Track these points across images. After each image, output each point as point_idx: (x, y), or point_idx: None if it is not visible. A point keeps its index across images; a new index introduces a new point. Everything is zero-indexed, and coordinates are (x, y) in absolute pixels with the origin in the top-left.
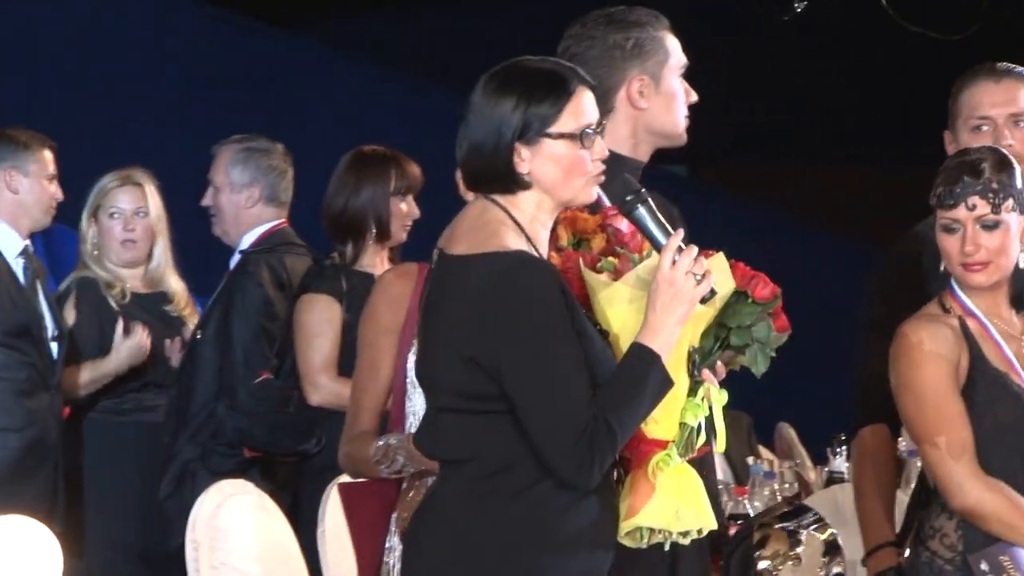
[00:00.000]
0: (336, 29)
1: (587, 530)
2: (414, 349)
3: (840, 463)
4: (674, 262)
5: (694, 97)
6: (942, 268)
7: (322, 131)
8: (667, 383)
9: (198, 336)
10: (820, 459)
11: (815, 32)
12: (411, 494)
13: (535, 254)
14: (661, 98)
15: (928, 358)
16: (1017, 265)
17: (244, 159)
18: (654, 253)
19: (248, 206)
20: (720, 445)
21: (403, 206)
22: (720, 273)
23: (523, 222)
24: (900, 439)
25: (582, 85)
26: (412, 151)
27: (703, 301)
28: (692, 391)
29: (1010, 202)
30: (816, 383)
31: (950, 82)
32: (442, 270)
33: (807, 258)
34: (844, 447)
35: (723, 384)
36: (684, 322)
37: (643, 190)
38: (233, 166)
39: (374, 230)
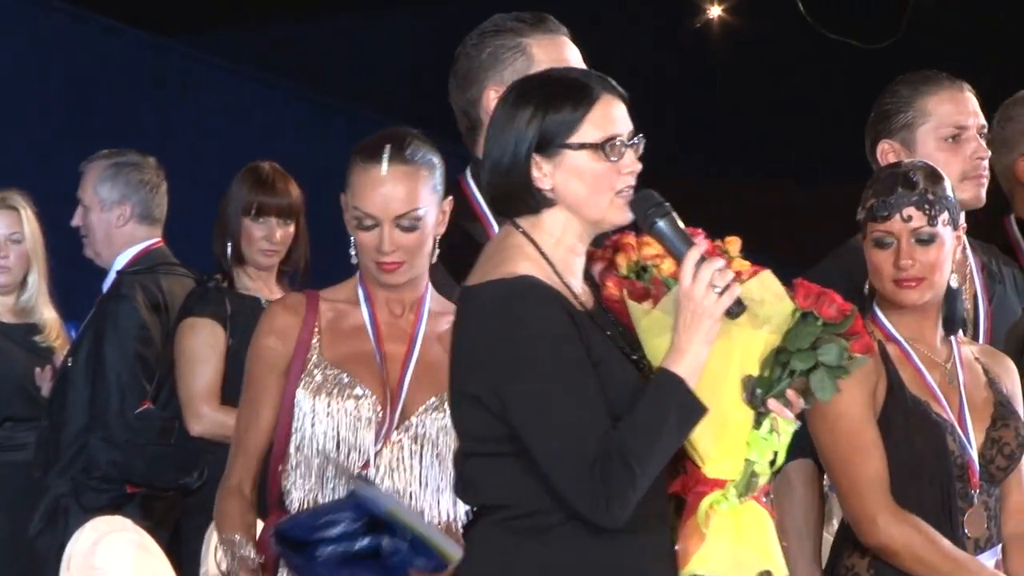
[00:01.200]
0: (223, 38)
1: (631, 573)
2: (304, 386)
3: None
4: (694, 276)
5: None
6: (866, 288)
7: (210, 144)
8: (695, 410)
9: (68, 363)
10: None
11: (731, 39)
12: None
13: (543, 280)
14: None
15: (843, 385)
16: (949, 285)
17: (113, 175)
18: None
19: (120, 225)
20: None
21: (257, 230)
22: (767, 291)
23: (547, 247)
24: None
25: (609, 93)
26: (303, 166)
27: (730, 315)
28: (756, 424)
29: (945, 215)
30: None
31: (871, 93)
32: (460, 305)
33: None
34: None
35: None
36: (711, 341)
37: (666, 202)
38: (102, 183)
39: (230, 252)
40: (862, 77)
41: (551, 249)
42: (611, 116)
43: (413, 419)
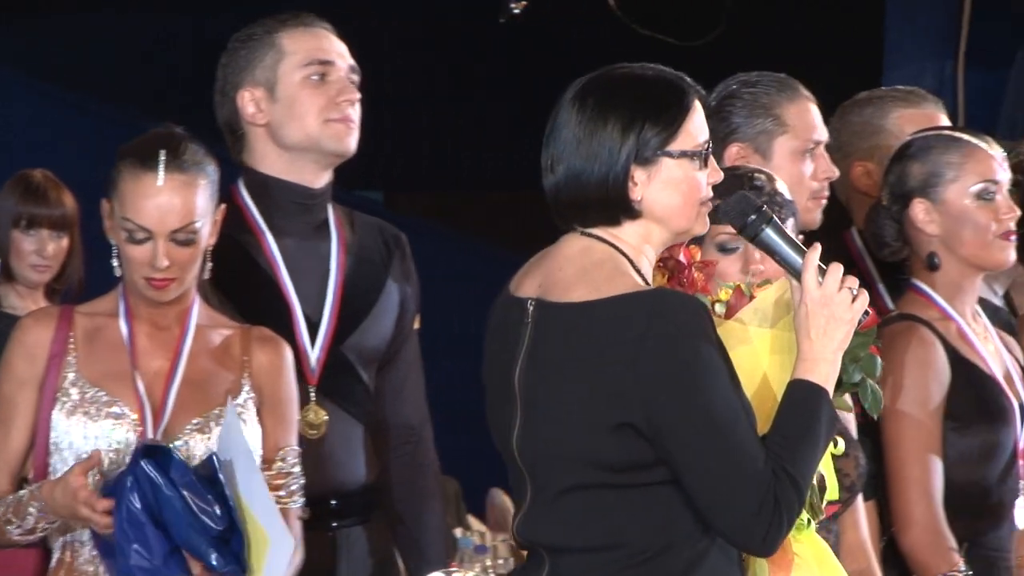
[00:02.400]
0: None
1: None
2: (60, 406)
3: None
4: (819, 282)
5: (351, 95)
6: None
7: None
8: (835, 419)
9: None
10: None
11: (534, 38)
12: (67, 558)
13: (678, 290)
14: (279, 105)
15: None
16: None
17: None
18: (771, 283)
19: None
20: (832, 494)
21: (27, 243)
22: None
23: (631, 256)
24: None
25: (697, 95)
26: (76, 175)
27: (859, 324)
28: None
29: (792, 222)
30: None
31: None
32: (550, 322)
33: None
34: None
35: None
36: (844, 348)
37: (765, 207)
38: None
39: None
40: None
41: (635, 259)
42: (702, 122)
43: (177, 441)
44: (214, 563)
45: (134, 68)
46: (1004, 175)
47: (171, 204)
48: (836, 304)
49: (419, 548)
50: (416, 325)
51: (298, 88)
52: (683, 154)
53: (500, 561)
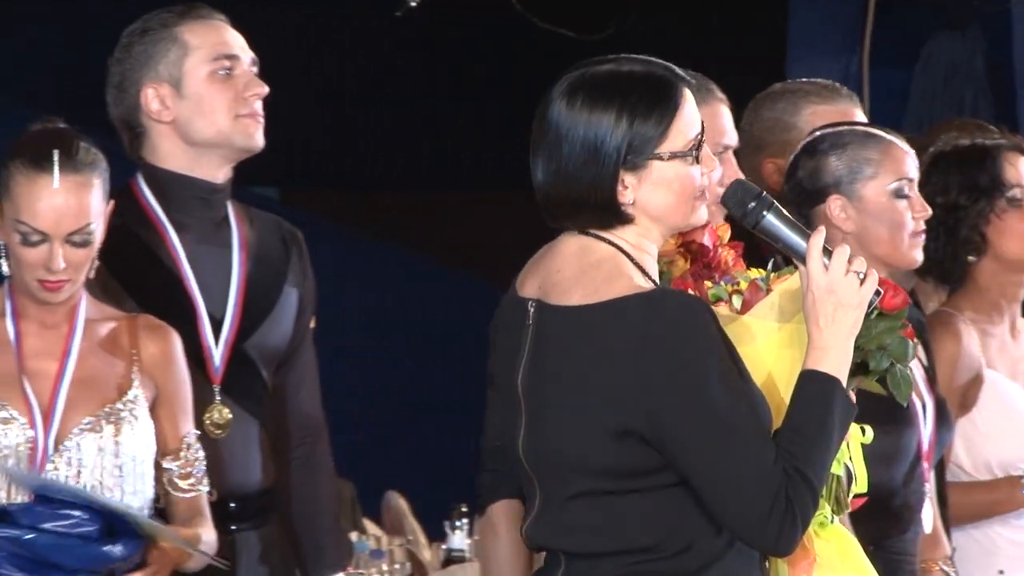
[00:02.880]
0: None
1: None
2: None
3: (461, 539)
4: (825, 266)
5: (259, 89)
6: None
7: None
8: (851, 409)
9: None
10: (436, 535)
11: (431, 35)
12: None
13: (679, 290)
14: (187, 102)
15: None
16: None
17: None
18: (790, 274)
19: None
20: (862, 486)
21: None
22: None
23: (633, 255)
24: None
25: (686, 87)
26: None
27: (870, 307)
28: None
29: None
30: (433, 445)
31: None
32: (551, 325)
33: (416, 294)
34: (466, 520)
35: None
36: (855, 334)
37: (765, 193)
38: None
39: None
40: None
41: (636, 256)
42: (693, 114)
43: (68, 442)
44: (121, 553)
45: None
46: (916, 173)
47: (67, 206)
48: (842, 289)
49: (315, 552)
50: (312, 324)
51: (206, 84)
52: (673, 155)
53: (396, 566)
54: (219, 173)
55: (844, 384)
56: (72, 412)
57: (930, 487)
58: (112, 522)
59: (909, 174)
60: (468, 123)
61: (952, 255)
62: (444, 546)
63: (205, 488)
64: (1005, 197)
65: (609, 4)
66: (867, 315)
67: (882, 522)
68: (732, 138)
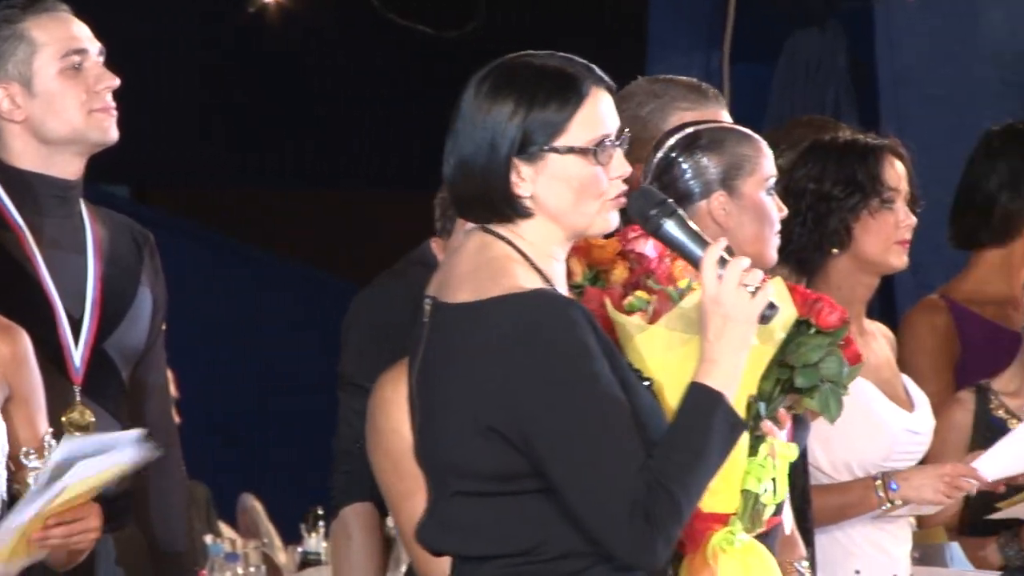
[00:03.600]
0: None
1: None
2: None
3: (317, 542)
4: (720, 277)
5: (111, 82)
6: None
7: None
8: (737, 426)
9: None
10: (292, 537)
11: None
12: None
13: (558, 292)
14: (39, 100)
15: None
16: None
17: None
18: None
19: None
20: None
21: None
22: (778, 299)
23: (532, 255)
24: (388, 517)
25: (598, 86)
26: None
27: (764, 320)
28: (752, 449)
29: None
30: (286, 446)
31: (446, 84)
32: (441, 323)
33: (273, 295)
34: (322, 523)
35: None
36: (746, 347)
37: (669, 200)
38: None
39: None
40: (435, 68)
41: (536, 258)
42: (601, 113)
43: None
44: None
45: None
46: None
47: None
48: (730, 302)
49: (167, 555)
50: (163, 326)
51: (57, 81)
52: (571, 150)
53: (252, 569)
54: (73, 169)
55: (730, 399)
56: None
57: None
58: None
59: (775, 172)
60: (330, 120)
61: (816, 244)
62: (300, 549)
63: None
64: (880, 197)
65: (468, 0)
66: (798, 330)
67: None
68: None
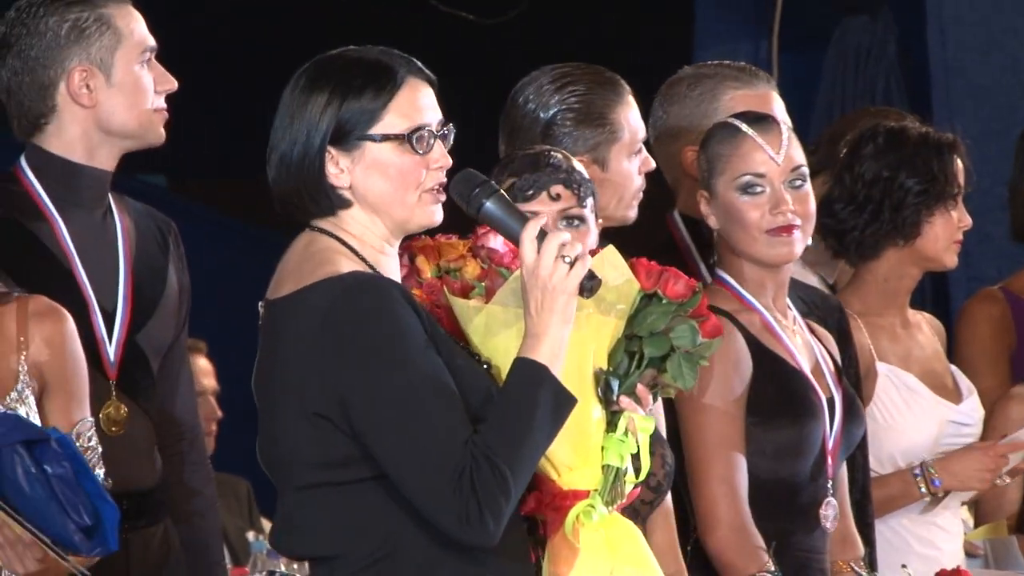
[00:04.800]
0: None
1: None
2: None
3: None
4: (538, 251)
5: (172, 84)
6: None
7: None
8: (566, 399)
9: None
10: None
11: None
12: None
13: (375, 273)
14: (115, 90)
15: None
16: None
17: None
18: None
19: None
20: (642, 476)
21: None
22: (613, 270)
23: (357, 247)
24: None
25: (416, 77)
26: None
27: (585, 292)
28: (611, 424)
29: (591, 200)
30: None
31: (487, 70)
32: (268, 320)
33: None
34: None
35: None
36: (569, 320)
37: (489, 180)
38: None
39: None
40: (478, 55)
41: (360, 251)
42: (418, 103)
43: None
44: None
45: None
46: (776, 168)
47: None
48: (547, 273)
49: (197, 549)
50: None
51: (135, 74)
52: (386, 138)
53: (295, 565)
54: (113, 162)
55: (556, 371)
56: None
57: (838, 483)
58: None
59: (759, 169)
60: None
61: (884, 233)
62: None
63: (100, 477)
64: (951, 195)
65: None
66: (648, 299)
67: (787, 519)
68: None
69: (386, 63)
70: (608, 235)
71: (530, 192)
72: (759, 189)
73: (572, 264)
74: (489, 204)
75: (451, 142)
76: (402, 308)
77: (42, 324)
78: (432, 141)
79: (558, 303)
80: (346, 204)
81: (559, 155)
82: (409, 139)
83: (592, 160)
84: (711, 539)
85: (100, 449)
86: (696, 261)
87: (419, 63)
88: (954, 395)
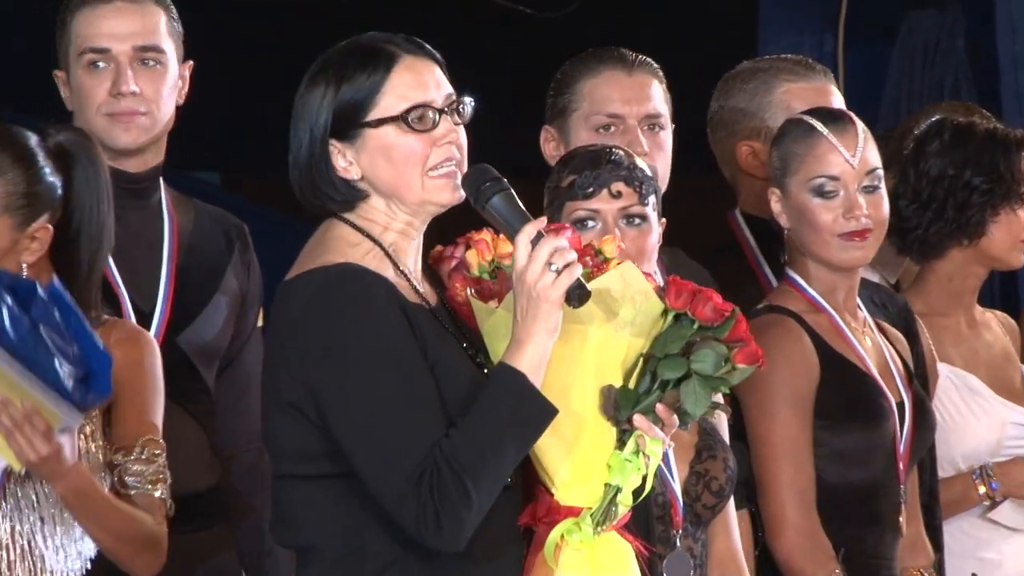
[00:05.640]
0: None
1: None
2: None
3: None
4: (531, 256)
5: (126, 87)
6: None
7: None
8: (542, 409)
9: None
10: None
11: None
12: None
13: (371, 268)
14: (72, 95)
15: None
16: None
17: None
18: None
19: None
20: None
21: None
22: (630, 289)
23: (377, 234)
24: None
25: (413, 56)
26: None
27: (571, 301)
28: (620, 443)
29: (653, 198)
30: None
31: (547, 67)
32: (274, 302)
33: None
34: None
35: None
36: (554, 329)
37: (502, 177)
38: None
39: None
40: (538, 52)
41: (380, 235)
42: (414, 81)
43: None
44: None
45: None
46: (851, 171)
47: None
48: (534, 280)
49: (259, 557)
50: (259, 322)
51: (79, 79)
52: (382, 121)
53: None
54: (129, 164)
55: (536, 380)
56: None
57: (909, 488)
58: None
59: (833, 172)
60: None
61: (949, 233)
62: None
63: (157, 493)
64: (1018, 194)
65: None
66: (677, 320)
67: (857, 524)
68: (649, 107)
69: (379, 46)
70: (671, 236)
71: (590, 189)
72: (832, 192)
73: (559, 272)
74: (495, 200)
75: (467, 115)
76: (382, 305)
77: (123, 346)
78: (436, 117)
79: (542, 311)
80: (363, 195)
81: (621, 152)
82: (405, 119)
83: (558, 129)
84: (779, 544)
85: (161, 470)
86: (759, 262)
87: (420, 41)
88: (1021, 396)
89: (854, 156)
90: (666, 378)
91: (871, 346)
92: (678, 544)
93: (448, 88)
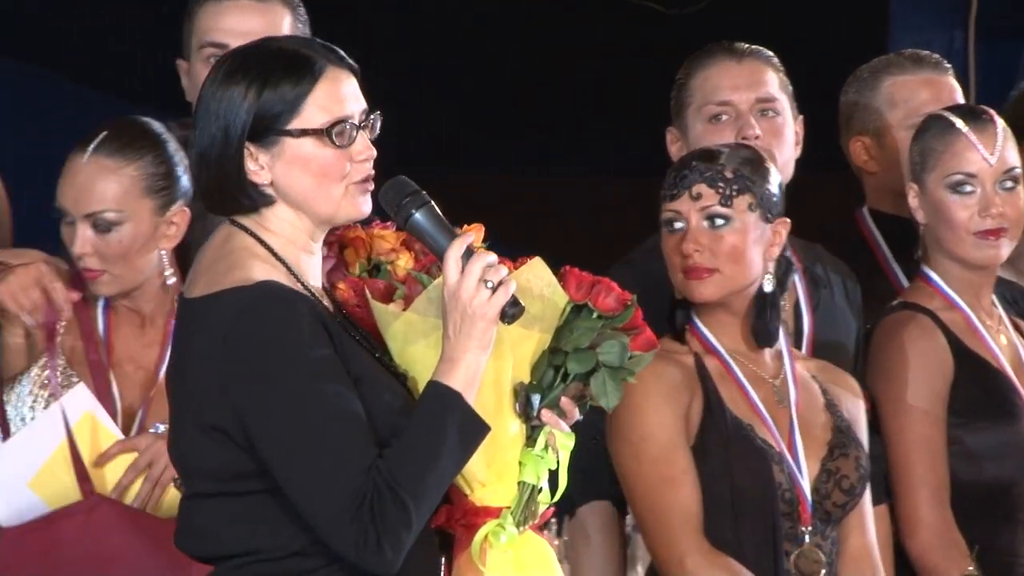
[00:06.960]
0: None
1: None
2: None
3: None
4: (462, 271)
5: None
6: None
7: None
8: (477, 428)
9: None
10: None
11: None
12: None
13: (288, 284)
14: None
15: (650, 403)
16: (761, 288)
17: None
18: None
19: None
20: (555, 497)
21: None
22: (537, 282)
23: (278, 247)
24: (628, 515)
25: (337, 67)
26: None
27: (506, 318)
28: (531, 439)
29: (747, 198)
30: None
31: (676, 66)
32: (181, 319)
33: None
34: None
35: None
36: (487, 346)
37: (422, 190)
38: None
39: None
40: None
41: (282, 250)
42: (339, 94)
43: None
44: None
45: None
46: (989, 169)
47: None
48: (468, 297)
49: None
50: None
51: (199, 71)
52: (305, 132)
53: None
54: None
55: (470, 398)
56: (152, 417)
57: None
58: None
59: (970, 169)
60: (554, 104)
61: None
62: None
63: None
64: None
65: None
66: (577, 312)
67: (991, 522)
68: (761, 91)
69: (305, 54)
70: (809, 232)
71: (674, 191)
72: (969, 189)
73: (495, 289)
74: (418, 216)
75: (377, 131)
76: (307, 326)
77: None
78: (354, 133)
79: (476, 328)
80: (269, 201)
81: (726, 152)
82: (328, 133)
83: (678, 127)
84: (912, 542)
85: None
86: (888, 260)
87: (340, 52)
88: None
89: (992, 154)
90: (575, 372)
91: (1006, 344)
92: (807, 541)
93: (363, 102)
